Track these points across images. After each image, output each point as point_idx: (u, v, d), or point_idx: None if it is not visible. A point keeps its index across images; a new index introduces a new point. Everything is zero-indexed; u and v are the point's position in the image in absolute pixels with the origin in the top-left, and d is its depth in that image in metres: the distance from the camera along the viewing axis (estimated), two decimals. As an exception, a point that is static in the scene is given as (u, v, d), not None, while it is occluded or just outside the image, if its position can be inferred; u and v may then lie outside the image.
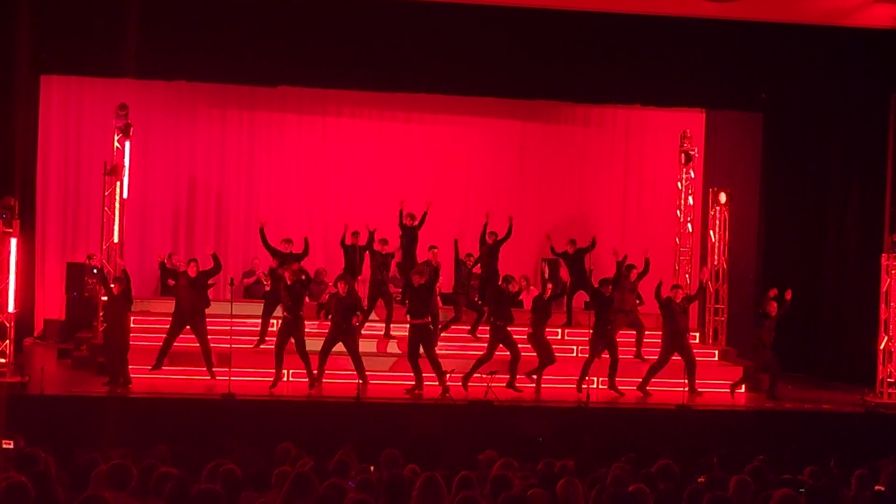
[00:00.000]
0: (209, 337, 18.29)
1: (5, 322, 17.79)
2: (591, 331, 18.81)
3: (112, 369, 17.53)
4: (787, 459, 13.22)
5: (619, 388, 18.73)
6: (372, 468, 10.79)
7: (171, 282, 22.10)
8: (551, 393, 18.58)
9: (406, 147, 24.89)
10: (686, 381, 18.41)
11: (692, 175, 23.52)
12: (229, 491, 7.94)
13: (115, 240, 20.54)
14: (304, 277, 18.45)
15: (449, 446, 14.43)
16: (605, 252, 23.50)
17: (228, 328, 18.13)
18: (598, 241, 22.16)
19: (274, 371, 17.99)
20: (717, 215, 22.69)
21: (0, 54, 19.36)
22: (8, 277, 17.82)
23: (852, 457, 13.40)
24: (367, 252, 20.44)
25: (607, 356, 18.88)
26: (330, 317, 18.05)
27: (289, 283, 18.21)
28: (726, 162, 24.59)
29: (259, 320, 19.53)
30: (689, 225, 23.41)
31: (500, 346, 18.48)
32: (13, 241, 17.86)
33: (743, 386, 19.48)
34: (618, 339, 19.29)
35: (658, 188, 25.08)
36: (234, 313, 18.06)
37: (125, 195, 20.87)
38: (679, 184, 23.61)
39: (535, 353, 18.74)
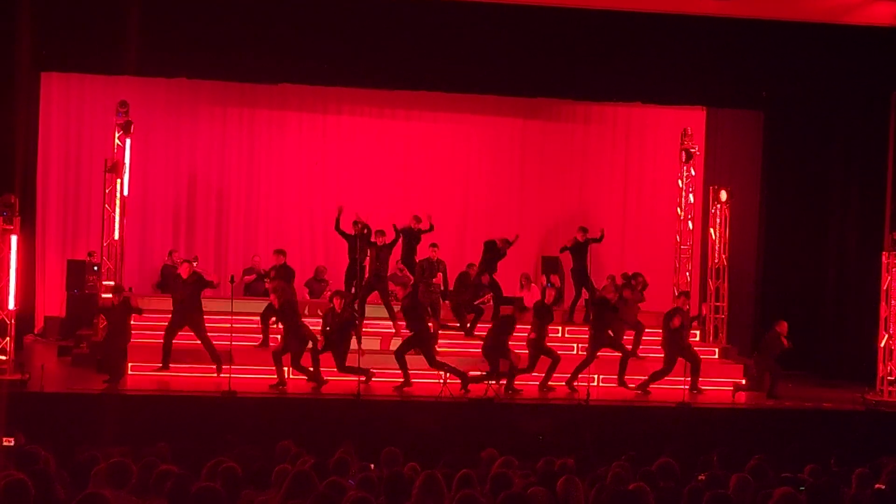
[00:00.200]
0: (210, 334, 18.30)
1: (6, 319, 17.77)
2: (590, 332, 18.76)
3: (111, 368, 17.51)
4: (787, 458, 13.22)
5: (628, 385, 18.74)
6: (372, 466, 10.78)
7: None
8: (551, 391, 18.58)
9: (406, 145, 24.89)
10: (689, 378, 18.40)
11: (693, 173, 23.51)
12: (229, 489, 7.94)
13: (116, 237, 20.53)
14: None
15: (449, 444, 14.41)
16: (606, 254, 23.62)
17: (229, 325, 18.12)
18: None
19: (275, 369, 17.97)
20: (718, 213, 22.68)
21: (1, 51, 19.37)
22: (8, 274, 17.81)
23: (853, 455, 13.40)
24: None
25: (606, 353, 18.87)
26: (328, 329, 18.01)
27: (276, 306, 18.25)
28: (727, 160, 24.60)
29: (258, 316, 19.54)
30: (690, 222, 23.40)
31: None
32: (14, 238, 17.85)
33: (744, 380, 19.48)
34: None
35: (659, 186, 25.08)
36: (234, 311, 18.05)
37: (126, 192, 20.86)
38: (680, 181, 23.59)
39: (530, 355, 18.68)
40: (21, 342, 19.70)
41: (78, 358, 19.27)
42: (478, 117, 24.94)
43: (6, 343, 17.68)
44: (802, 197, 23.22)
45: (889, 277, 19.44)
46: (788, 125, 23.39)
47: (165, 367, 18.12)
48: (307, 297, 22.22)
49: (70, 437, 13.34)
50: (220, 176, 24.38)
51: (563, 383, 18.62)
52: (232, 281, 18.66)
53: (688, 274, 23.38)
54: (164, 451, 11.53)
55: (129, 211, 21.45)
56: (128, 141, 20.93)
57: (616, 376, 18.99)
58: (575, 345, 20.03)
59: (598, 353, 18.77)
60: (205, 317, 18.30)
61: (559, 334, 20.50)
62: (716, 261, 22.73)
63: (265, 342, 19.14)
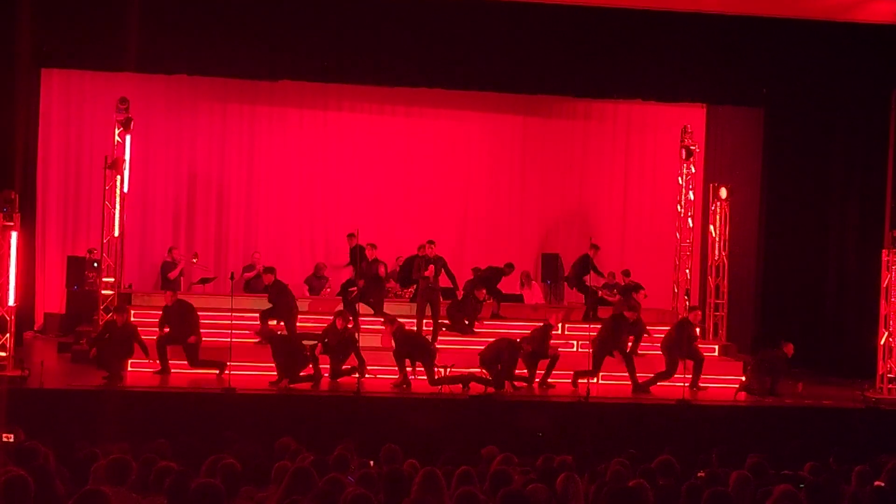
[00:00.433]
0: (209, 331, 18.33)
1: (6, 315, 17.77)
2: (599, 343, 18.63)
3: (110, 367, 17.50)
4: (787, 455, 13.22)
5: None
6: (372, 463, 10.78)
7: (172, 275, 22.24)
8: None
9: (407, 141, 24.89)
10: (690, 375, 18.41)
11: (693, 170, 23.50)
12: (229, 485, 7.94)
13: (116, 234, 20.52)
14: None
15: (449, 441, 14.42)
16: (606, 251, 23.64)
17: (229, 322, 18.11)
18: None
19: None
20: (718, 210, 22.67)
21: (1, 47, 19.37)
22: (8, 271, 17.80)
23: (852, 452, 13.40)
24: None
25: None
26: (326, 340, 18.01)
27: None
28: (727, 157, 24.58)
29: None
30: (690, 220, 23.39)
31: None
32: (14, 235, 17.85)
33: (744, 377, 19.49)
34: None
35: (659, 183, 25.10)
36: (234, 308, 18.04)
37: (126, 189, 20.85)
38: (680, 179, 23.58)
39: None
40: (21, 338, 19.70)
41: (78, 354, 19.23)
42: (478, 114, 24.94)
43: (6, 339, 17.68)
44: (802, 194, 23.20)
45: (889, 275, 19.44)
46: (789, 122, 23.36)
47: (165, 372, 18.09)
48: (307, 293, 22.23)
49: (70, 434, 13.34)
50: (221, 172, 24.38)
51: (569, 381, 18.58)
52: (232, 278, 18.64)
53: (688, 271, 23.38)
54: (163, 447, 11.53)
55: (129, 207, 21.45)
56: (128, 137, 20.91)
57: (614, 377, 18.92)
58: (575, 342, 20.02)
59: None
60: (205, 314, 18.32)
61: (558, 331, 20.46)
62: (716, 258, 22.74)
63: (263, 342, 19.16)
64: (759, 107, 23.69)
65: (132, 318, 18.61)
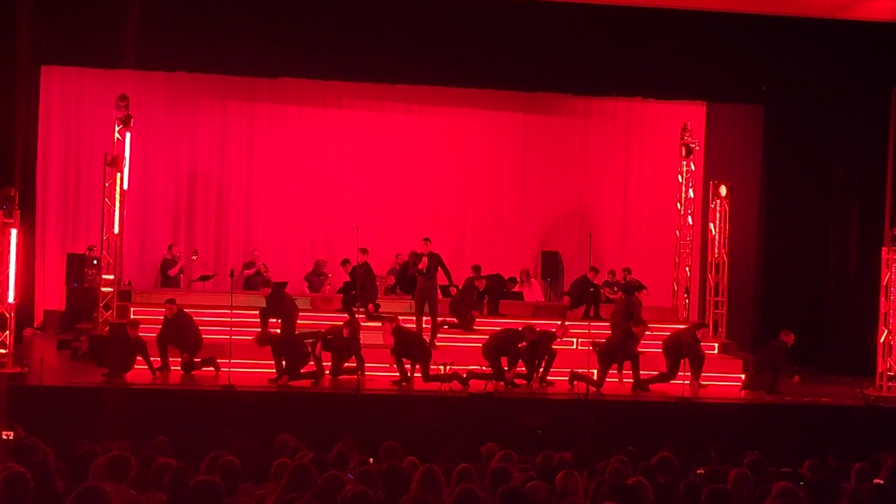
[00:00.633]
0: (209, 328, 18.34)
1: (5, 312, 17.78)
2: (607, 352, 18.62)
3: (110, 364, 17.52)
4: (786, 453, 13.23)
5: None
6: (371, 460, 10.79)
7: (172, 272, 22.25)
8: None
9: (407, 139, 24.88)
10: (690, 372, 18.42)
11: (693, 167, 23.50)
12: (228, 482, 7.94)
13: (116, 231, 20.52)
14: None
15: (448, 438, 14.42)
16: (606, 249, 23.66)
17: (228, 320, 18.11)
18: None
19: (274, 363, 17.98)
20: (718, 208, 22.66)
21: (1, 44, 19.35)
22: (8, 268, 17.81)
23: (851, 450, 13.41)
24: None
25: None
26: (330, 337, 18.03)
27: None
28: (727, 154, 24.58)
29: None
30: (690, 217, 23.39)
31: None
32: (13, 232, 17.86)
33: (743, 375, 19.51)
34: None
35: (658, 180, 25.09)
36: (233, 305, 18.04)
37: (125, 186, 20.83)
38: (679, 176, 23.58)
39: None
40: (20, 335, 19.70)
41: (77, 351, 19.26)
42: (478, 112, 24.94)
43: (6, 336, 17.69)
44: (802, 192, 23.20)
45: (888, 273, 19.44)
46: (789, 120, 23.36)
47: (165, 370, 18.10)
48: (307, 290, 22.23)
49: (69, 431, 13.34)
50: (220, 170, 24.37)
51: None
52: (231, 275, 18.66)
53: (687, 269, 23.39)
54: (163, 444, 11.53)
55: (128, 205, 21.44)
56: (127, 134, 20.90)
57: (612, 373, 18.91)
58: (574, 339, 20.00)
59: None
60: (204, 311, 18.33)
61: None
62: (715, 256, 22.73)
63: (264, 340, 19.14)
64: (758, 104, 23.69)
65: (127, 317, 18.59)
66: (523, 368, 18.37)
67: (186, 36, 19.77)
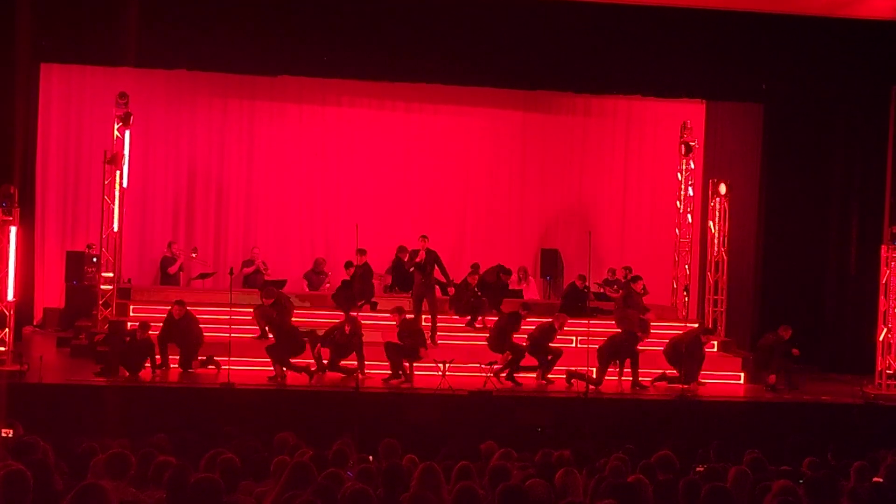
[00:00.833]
0: (208, 326, 18.35)
1: (5, 310, 17.79)
2: (607, 353, 18.66)
3: (108, 362, 17.53)
4: (785, 451, 13.24)
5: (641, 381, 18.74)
6: (371, 458, 10.79)
7: (172, 270, 22.25)
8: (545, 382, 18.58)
9: (407, 137, 24.88)
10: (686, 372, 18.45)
11: (692, 166, 23.51)
12: (228, 480, 7.94)
13: (115, 228, 20.52)
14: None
15: (448, 436, 14.43)
16: (605, 247, 23.65)
17: (228, 317, 18.11)
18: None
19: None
20: (717, 206, 22.68)
21: (0, 42, 19.34)
22: (7, 266, 17.81)
23: (851, 448, 13.41)
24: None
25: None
26: (334, 334, 18.07)
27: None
28: (726, 153, 24.57)
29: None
30: (689, 216, 23.40)
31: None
32: (13, 230, 17.86)
33: (742, 373, 19.53)
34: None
35: (658, 179, 25.09)
36: (233, 303, 18.04)
37: (125, 184, 20.85)
38: (679, 174, 23.59)
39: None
40: (20, 333, 19.72)
41: (77, 349, 19.25)
42: (478, 109, 24.93)
43: (5, 334, 17.70)
44: (802, 190, 23.19)
45: (888, 271, 19.44)
46: (788, 118, 23.36)
47: (165, 367, 18.11)
48: (306, 289, 22.23)
49: (69, 429, 13.34)
50: (220, 167, 24.37)
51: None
52: (231, 273, 18.67)
53: (687, 267, 23.40)
54: (162, 442, 11.53)
55: (128, 202, 21.46)
56: (127, 132, 20.92)
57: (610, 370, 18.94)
58: (574, 337, 20.00)
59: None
60: (204, 309, 18.34)
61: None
62: (715, 254, 22.74)
63: (263, 335, 19.15)
64: (758, 103, 23.68)
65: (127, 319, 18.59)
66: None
67: (186, 34, 19.75)
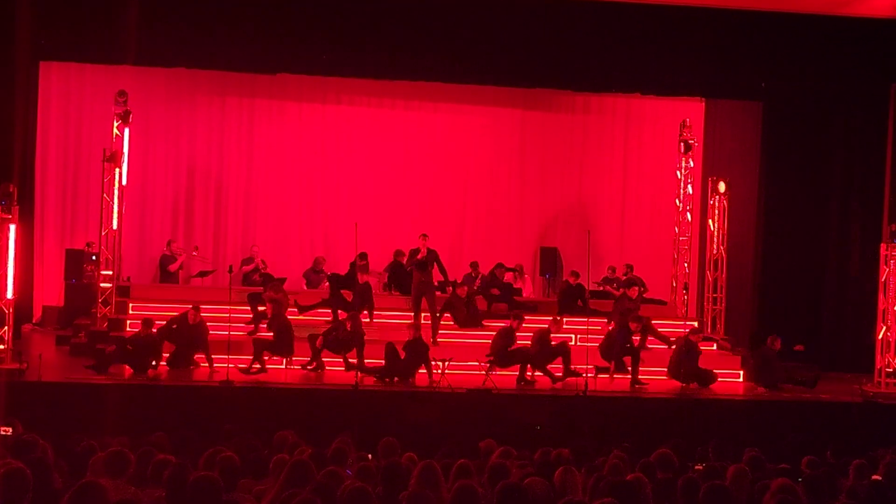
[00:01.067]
0: (208, 324, 18.37)
1: (4, 308, 17.80)
2: (605, 349, 18.74)
3: (103, 358, 17.54)
4: (784, 449, 13.24)
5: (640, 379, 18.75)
6: (370, 456, 10.80)
7: (172, 268, 22.24)
8: (548, 381, 18.56)
9: (406, 135, 24.86)
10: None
11: (691, 164, 23.51)
12: (227, 478, 7.94)
13: (114, 227, 20.53)
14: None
15: (447, 435, 14.43)
16: (605, 245, 23.66)
17: (227, 316, 18.11)
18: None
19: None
20: (717, 204, 22.69)
21: (0, 40, 19.34)
22: (6, 264, 17.82)
23: (850, 446, 13.41)
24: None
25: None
26: (334, 333, 18.09)
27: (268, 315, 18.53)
28: (726, 151, 24.57)
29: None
30: (689, 214, 23.41)
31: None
32: (12, 228, 17.86)
33: (742, 372, 19.57)
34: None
35: (657, 177, 25.08)
36: (232, 301, 18.04)
37: (124, 182, 20.86)
38: (678, 172, 23.59)
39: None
40: (19, 331, 19.72)
41: (76, 347, 19.25)
42: (477, 108, 24.91)
43: (4, 332, 17.71)
44: (801, 188, 23.20)
45: (887, 269, 19.44)
46: (787, 116, 23.36)
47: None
48: (305, 287, 22.22)
49: (68, 427, 13.33)
50: (219, 166, 24.35)
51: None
52: (230, 271, 18.67)
53: (686, 265, 23.41)
54: (162, 440, 11.54)
55: (127, 200, 21.47)
56: (126, 130, 20.92)
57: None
58: (573, 336, 20.01)
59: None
60: (204, 308, 18.38)
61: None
62: (714, 252, 22.75)
63: (255, 330, 19.14)
64: (757, 101, 23.70)
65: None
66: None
67: (185, 32, 19.76)
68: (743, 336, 22.53)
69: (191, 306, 18.21)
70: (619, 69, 21.34)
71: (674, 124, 23.94)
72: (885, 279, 19.47)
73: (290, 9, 19.75)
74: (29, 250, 21.11)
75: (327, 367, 18.19)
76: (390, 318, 20.13)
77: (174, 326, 18.13)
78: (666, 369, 18.87)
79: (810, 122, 23.17)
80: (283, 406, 16.31)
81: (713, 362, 19.68)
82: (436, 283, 20.27)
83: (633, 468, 10.04)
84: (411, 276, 20.22)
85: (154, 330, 17.85)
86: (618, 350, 18.71)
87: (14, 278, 17.99)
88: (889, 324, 19.40)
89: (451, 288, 20.70)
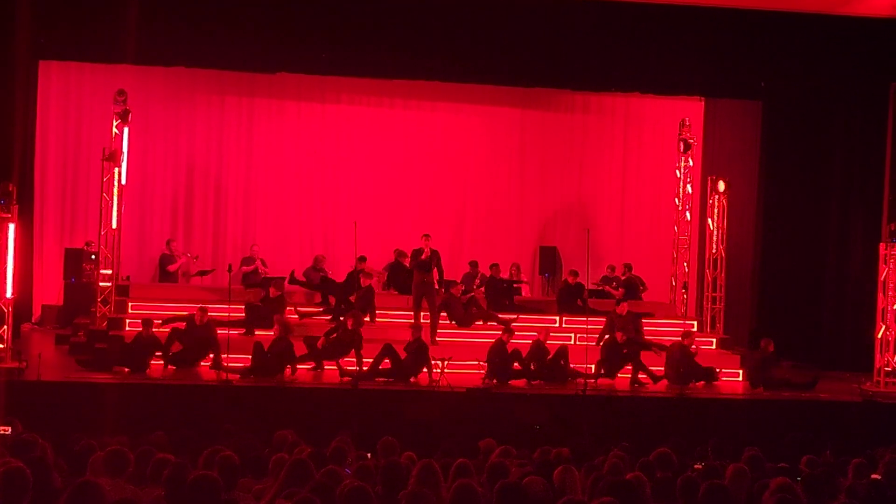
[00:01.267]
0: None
1: (3, 307, 17.80)
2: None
3: (99, 356, 17.57)
4: (783, 448, 13.24)
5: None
6: (369, 455, 10.80)
7: (171, 268, 22.24)
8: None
9: (405, 134, 24.86)
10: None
11: (691, 163, 23.50)
12: (227, 477, 7.94)
13: (114, 226, 20.52)
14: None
15: (446, 434, 14.43)
16: (604, 244, 23.68)
17: (226, 314, 18.11)
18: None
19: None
20: (716, 203, 22.68)
21: (-1, 39, 19.37)
22: (6, 263, 17.82)
23: (849, 446, 13.42)
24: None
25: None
26: (333, 336, 18.09)
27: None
28: (725, 150, 24.57)
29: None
30: (688, 213, 23.41)
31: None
32: (11, 227, 17.86)
33: (741, 371, 19.55)
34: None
35: (657, 176, 25.09)
36: (231, 300, 18.04)
37: (124, 181, 20.85)
38: (678, 172, 23.59)
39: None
40: (18, 330, 19.72)
41: (75, 346, 19.25)
42: (476, 107, 24.91)
43: (3, 331, 17.70)
44: (801, 187, 23.19)
45: (886, 268, 19.44)
46: (787, 115, 23.35)
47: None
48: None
49: (67, 426, 13.33)
50: (219, 165, 24.35)
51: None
52: (229, 270, 18.66)
53: (685, 264, 23.41)
54: (161, 439, 11.54)
55: (126, 200, 21.46)
56: (126, 129, 20.92)
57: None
58: (572, 335, 20.02)
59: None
60: (203, 306, 18.41)
61: (556, 324, 20.47)
62: (713, 251, 22.75)
63: (250, 331, 19.13)
64: (757, 100, 23.69)
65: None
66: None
67: (185, 31, 19.75)
68: (742, 335, 22.52)
69: (197, 308, 18.21)
70: (618, 68, 21.34)
71: (673, 123, 23.94)
72: (885, 278, 19.49)
73: (290, 8, 19.73)
74: (28, 249, 21.10)
75: (326, 367, 18.18)
76: (390, 318, 20.11)
77: (183, 328, 18.13)
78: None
79: (810, 122, 23.17)
80: (282, 405, 16.31)
81: (712, 361, 19.69)
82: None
83: (633, 467, 10.05)
84: (410, 276, 20.21)
85: (153, 330, 17.84)
86: (618, 363, 18.74)
87: (13, 277, 17.99)
88: (888, 323, 19.42)
89: (443, 289, 20.66)
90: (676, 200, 23.62)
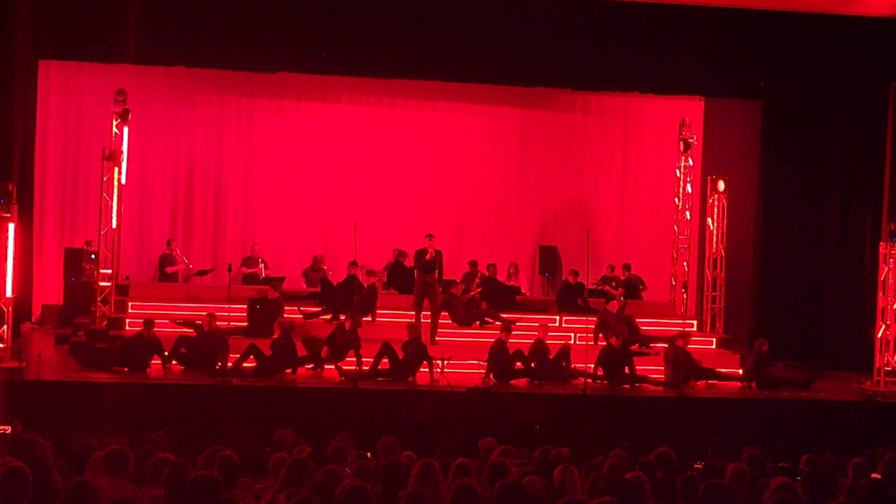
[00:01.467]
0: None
1: (3, 307, 17.79)
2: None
3: (97, 354, 17.57)
4: (784, 448, 13.24)
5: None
6: (369, 455, 10.80)
7: (170, 269, 22.24)
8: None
9: (405, 134, 24.85)
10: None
11: (690, 163, 23.49)
12: (226, 477, 7.94)
13: (114, 225, 20.52)
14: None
15: (446, 433, 14.43)
16: (604, 244, 23.67)
17: (226, 314, 18.11)
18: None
19: None
20: (716, 203, 22.67)
21: (-1, 39, 19.37)
22: (6, 262, 17.81)
23: (849, 445, 13.42)
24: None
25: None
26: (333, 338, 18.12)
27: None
28: (725, 150, 24.57)
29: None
30: (688, 212, 23.40)
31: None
32: (11, 227, 17.85)
33: (740, 370, 19.56)
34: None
35: (656, 176, 25.09)
36: (231, 299, 18.04)
37: (123, 181, 20.84)
38: (677, 171, 23.58)
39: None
40: (18, 330, 19.72)
41: (75, 346, 19.24)
42: (476, 106, 24.89)
43: (3, 331, 17.70)
44: (801, 187, 23.18)
45: (886, 268, 19.44)
46: (787, 115, 23.34)
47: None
48: (304, 286, 22.22)
49: (67, 425, 13.33)
50: (219, 165, 24.33)
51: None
52: (229, 269, 18.66)
53: (685, 264, 23.40)
54: (161, 439, 11.53)
55: (126, 199, 21.46)
56: (125, 129, 20.91)
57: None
58: (572, 334, 20.02)
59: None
60: (203, 306, 18.38)
61: (556, 324, 20.48)
62: (713, 251, 22.74)
63: (250, 330, 19.14)
64: (757, 100, 23.68)
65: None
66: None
67: (185, 30, 19.75)
68: (742, 335, 22.52)
69: (206, 314, 18.21)
70: (618, 68, 21.33)
71: (673, 123, 23.93)
72: (885, 278, 19.48)
73: (290, 8, 19.73)
74: (28, 249, 21.10)
75: (326, 367, 18.19)
76: (390, 318, 20.12)
77: (193, 334, 18.13)
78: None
79: (810, 121, 23.15)
80: (282, 405, 16.32)
81: (712, 360, 19.70)
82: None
83: (633, 467, 10.05)
84: (410, 276, 20.20)
85: (154, 331, 17.85)
86: (616, 363, 18.74)
87: (13, 277, 17.98)
88: (888, 322, 19.41)
89: (441, 289, 20.67)
90: (676, 200, 23.62)
